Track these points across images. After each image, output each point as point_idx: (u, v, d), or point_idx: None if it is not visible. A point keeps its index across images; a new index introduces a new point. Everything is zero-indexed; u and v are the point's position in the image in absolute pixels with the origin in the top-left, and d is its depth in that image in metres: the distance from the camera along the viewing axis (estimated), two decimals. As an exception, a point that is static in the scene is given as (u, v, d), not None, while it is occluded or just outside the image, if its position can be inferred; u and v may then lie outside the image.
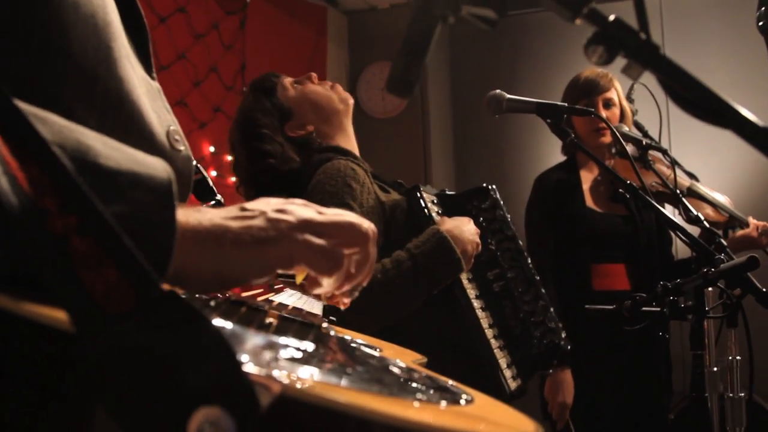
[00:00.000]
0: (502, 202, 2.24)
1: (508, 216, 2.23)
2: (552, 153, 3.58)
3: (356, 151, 2.16)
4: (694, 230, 1.96)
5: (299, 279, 0.86)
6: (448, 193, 2.20)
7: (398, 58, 0.82)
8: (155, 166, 0.68)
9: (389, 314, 1.82)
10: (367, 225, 0.85)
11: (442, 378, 0.75)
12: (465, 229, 1.96)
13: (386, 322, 1.79)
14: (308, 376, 0.55)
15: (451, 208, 2.15)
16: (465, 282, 2.01)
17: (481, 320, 2.00)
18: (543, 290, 2.20)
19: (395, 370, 0.73)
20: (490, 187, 2.23)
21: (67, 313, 0.50)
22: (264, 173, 2.09)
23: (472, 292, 2.03)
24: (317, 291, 0.87)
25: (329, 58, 4.85)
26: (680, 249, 3.92)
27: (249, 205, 0.80)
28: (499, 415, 0.68)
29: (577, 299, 2.71)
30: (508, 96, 2.07)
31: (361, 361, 0.71)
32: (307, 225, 0.79)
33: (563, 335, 2.19)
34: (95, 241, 0.52)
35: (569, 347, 2.20)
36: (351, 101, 2.22)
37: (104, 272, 0.51)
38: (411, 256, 1.84)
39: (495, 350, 1.99)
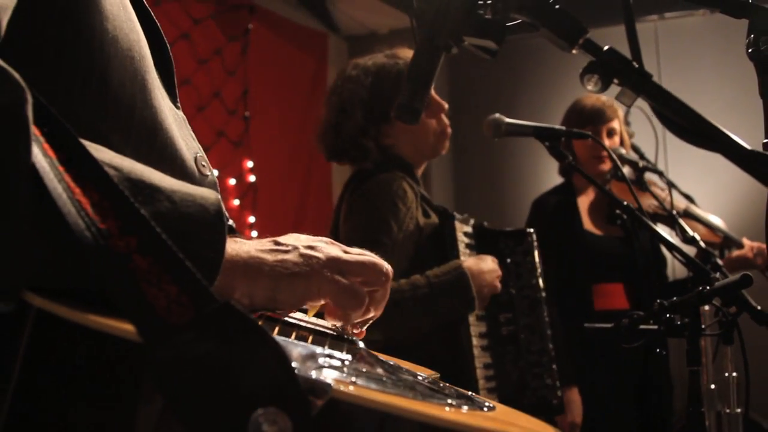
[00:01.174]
0: (536, 250, 2.26)
1: (539, 266, 2.25)
2: (550, 176, 3.63)
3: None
4: (690, 251, 1.99)
5: (311, 313, 0.92)
6: (486, 226, 2.23)
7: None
8: (202, 191, 0.74)
9: (392, 331, 1.85)
10: (387, 266, 0.92)
11: (463, 390, 0.80)
12: (487, 270, 1.99)
13: (387, 335, 1.82)
14: (352, 381, 0.60)
15: (484, 242, 2.18)
16: (471, 318, 2.03)
17: (476, 358, 2.01)
18: (551, 345, 2.22)
19: (423, 380, 0.78)
20: (529, 231, 2.27)
21: (133, 324, 0.55)
22: (344, 155, 2.18)
23: (476, 329, 2.04)
24: (336, 322, 0.93)
25: (330, 82, 4.91)
26: (677, 270, 3.97)
27: (282, 239, 0.87)
28: (523, 420, 0.73)
29: (579, 319, 2.75)
30: (507, 120, 2.12)
31: (392, 372, 0.76)
32: (335, 263, 0.86)
33: (558, 394, 2.20)
34: (155, 259, 0.57)
35: (561, 406, 2.23)
36: (443, 151, 2.30)
37: (165, 287, 0.56)
38: (428, 284, 1.88)
39: (481, 390, 2.01)
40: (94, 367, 0.58)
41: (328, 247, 0.87)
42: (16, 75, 0.58)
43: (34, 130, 0.59)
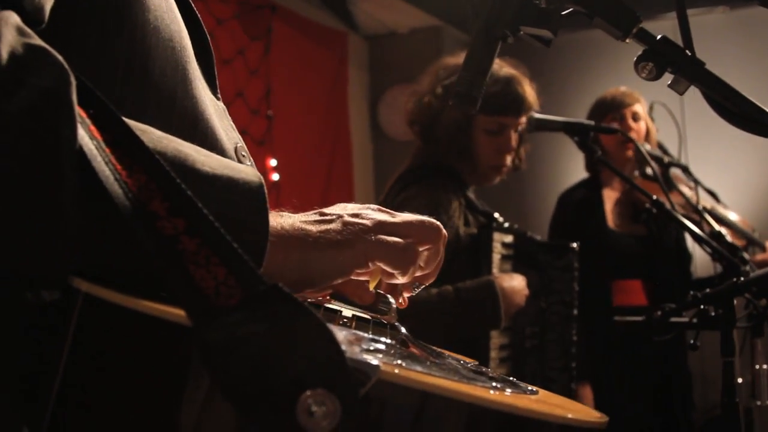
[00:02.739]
0: (577, 266, 2.25)
1: (576, 283, 2.24)
2: (573, 170, 3.63)
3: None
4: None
5: (372, 285, 0.90)
6: (528, 235, 2.23)
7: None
8: (247, 172, 0.73)
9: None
10: (438, 224, 0.89)
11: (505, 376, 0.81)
12: (518, 290, 2.00)
13: None
14: (397, 363, 0.61)
15: (523, 253, 2.17)
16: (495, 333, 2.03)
17: (491, 370, 2.00)
18: (574, 364, 2.21)
19: (466, 364, 0.80)
20: (572, 246, 2.26)
21: (181, 306, 0.55)
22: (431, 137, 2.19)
23: (497, 341, 2.04)
24: (393, 282, 0.92)
25: (351, 81, 4.94)
26: (699, 268, 3.96)
27: (327, 210, 0.85)
28: (567, 404, 0.74)
29: (598, 314, 2.76)
30: (537, 115, 2.14)
31: (436, 356, 0.77)
32: (381, 226, 0.84)
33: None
34: (203, 241, 0.57)
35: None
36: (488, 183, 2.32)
37: (213, 269, 0.56)
38: (457, 297, 1.88)
39: None
40: (141, 352, 0.58)
41: (374, 213, 0.86)
42: (60, 57, 0.57)
43: (80, 112, 0.59)
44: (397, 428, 0.57)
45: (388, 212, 0.87)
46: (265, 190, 0.73)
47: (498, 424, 0.60)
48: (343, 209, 0.86)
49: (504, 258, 2.12)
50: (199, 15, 0.99)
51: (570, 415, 0.62)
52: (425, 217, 0.89)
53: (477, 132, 2.19)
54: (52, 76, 0.57)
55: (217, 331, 0.53)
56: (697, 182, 2.78)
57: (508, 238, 2.15)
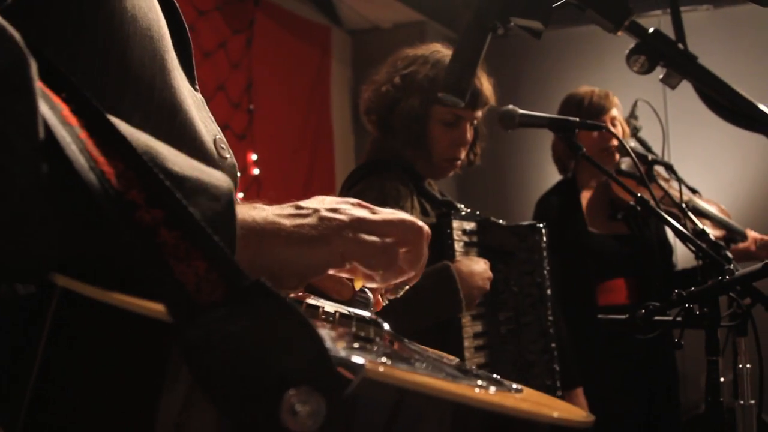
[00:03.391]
0: (545, 246, 2.23)
1: (546, 263, 2.22)
2: (555, 170, 3.63)
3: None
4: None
5: (357, 285, 0.88)
6: (493, 220, 2.21)
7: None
8: (217, 176, 0.69)
9: None
10: (420, 223, 0.84)
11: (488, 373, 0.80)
12: (477, 272, 1.98)
13: None
14: (381, 362, 0.59)
15: (488, 238, 2.15)
16: (465, 318, 2.01)
17: (468, 360, 1.97)
18: (553, 345, 2.19)
19: (450, 362, 0.78)
20: (538, 226, 2.24)
21: (161, 302, 0.53)
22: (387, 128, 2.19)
23: (471, 330, 2.02)
24: (370, 286, 0.89)
25: (333, 76, 4.91)
26: (679, 258, 3.98)
27: (304, 203, 0.80)
28: (552, 402, 0.73)
29: (583, 315, 2.76)
30: (521, 111, 2.12)
31: (419, 354, 0.76)
32: (360, 223, 0.80)
33: (558, 394, 2.18)
34: (182, 234, 0.55)
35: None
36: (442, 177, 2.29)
37: (193, 264, 0.54)
38: (413, 287, 1.87)
39: None
40: (118, 348, 0.56)
41: (352, 209, 0.81)
42: (17, 35, 0.54)
43: (53, 96, 0.56)
44: (382, 427, 0.56)
45: (368, 207, 0.83)
46: (234, 197, 0.69)
47: (484, 423, 0.59)
48: (321, 203, 0.81)
49: (468, 245, 2.09)
50: (177, 4, 0.98)
51: (556, 414, 0.61)
52: (407, 216, 0.84)
53: (433, 123, 2.17)
54: (8, 55, 0.53)
55: (198, 328, 0.52)
56: (680, 180, 2.78)
57: (470, 225, 2.12)
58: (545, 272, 2.21)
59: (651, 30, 0.89)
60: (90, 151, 0.56)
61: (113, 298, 0.55)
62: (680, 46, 0.88)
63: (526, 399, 0.67)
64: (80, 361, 0.56)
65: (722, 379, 1.95)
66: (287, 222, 0.77)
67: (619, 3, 0.87)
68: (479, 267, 2.01)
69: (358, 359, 0.54)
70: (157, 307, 0.54)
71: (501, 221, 2.24)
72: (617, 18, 0.88)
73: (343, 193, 2.13)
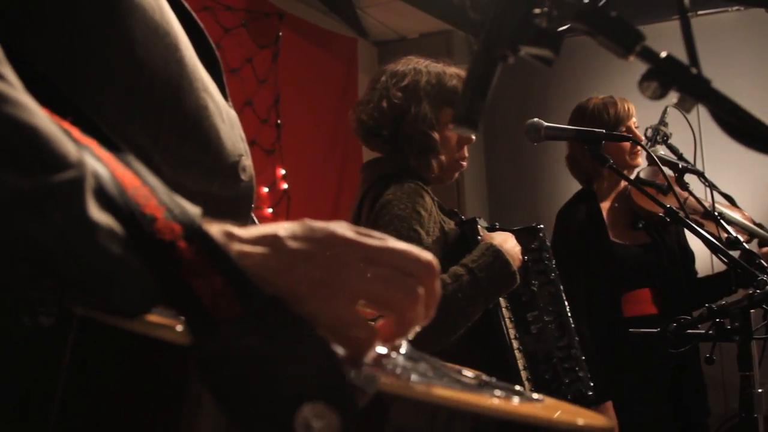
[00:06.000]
0: (549, 245, 2.26)
1: (553, 260, 2.25)
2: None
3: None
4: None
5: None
6: (498, 226, 2.22)
7: (462, 96, 0.87)
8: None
9: (452, 331, 1.85)
10: (429, 256, 0.68)
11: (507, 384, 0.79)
12: (513, 244, 2.01)
13: (449, 339, 1.82)
14: (396, 375, 0.60)
15: None
16: (508, 322, 2.03)
17: (518, 361, 2.01)
18: (576, 338, 2.21)
19: (468, 375, 0.77)
20: (538, 226, 2.26)
21: (179, 315, 0.54)
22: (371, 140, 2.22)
23: (512, 332, 2.04)
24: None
25: (360, 88, 4.92)
26: (701, 266, 3.93)
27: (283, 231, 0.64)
28: (576, 411, 0.72)
29: (609, 327, 2.73)
30: (547, 124, 2.11)
31: (435, 366, 0.75)
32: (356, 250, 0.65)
33: (591, 384, 2.19)
34: (198, 249, 0.55)
35: (594, 398, 2.21)
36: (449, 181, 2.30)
37: (210, 279, 0.54)
38: (469, 271, 1.88)
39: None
40: (138, 371, 0.57)
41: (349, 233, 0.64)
42: None
43: (64, 124, 0.57)
44: None
45: (363, 232, 0.66)
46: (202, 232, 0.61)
47: None
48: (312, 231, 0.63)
49: None
50: (203, 26, 0.98)
51: (580, 422, 0.61)
52: (415, 248, 0.67)
53: (441, 126, 2.19)
54: None
55: (214, 342, 0.53)
56: (712, 187, 2.74)
57: (483, 231, 2.16)
58: (554, 269, 2.23)
59: (663, 55, 0.88)
60: (107, 163, 0.57)
61: (130, 325, 0.56)
62: (694, 70, 0.86)
63: (548, 407, 0.67)
64: (102, 385, 0.57)
65: (760, 390, 1.92)
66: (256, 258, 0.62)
67: (629, 28, 0.86)
68: (511, 239, 2.04)
69: (372, 373, 0.55)
70: (171, 334, 0.55)
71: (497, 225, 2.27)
72: (628, 44, 0.86)
73: (366, 209, 2.13)
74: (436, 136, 2.16)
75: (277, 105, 4.18)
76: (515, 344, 2.01)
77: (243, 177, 0.93)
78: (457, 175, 2.28)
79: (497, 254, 1.92)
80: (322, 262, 0.60)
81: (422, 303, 0.66)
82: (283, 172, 4.13)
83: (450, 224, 2.09)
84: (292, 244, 0.60)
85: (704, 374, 2.96)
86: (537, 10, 0.86)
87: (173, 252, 0.55)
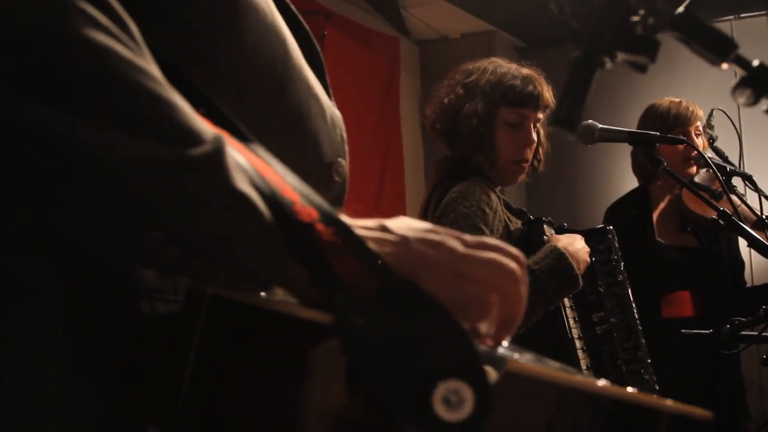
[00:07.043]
0: (617, 246, 2.27)
1: (622, 262, 2.25)
2: (623, 179, 3.61)
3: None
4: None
5: None
6: (566, 227, 2.25)
7: (562, 100, 0.91)
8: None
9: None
10: (514, 265, 0.67)
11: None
12: (579, 247, 2.02)
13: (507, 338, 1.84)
14: (517, 357, 0.63)
15: None
16: (571, 322, 2.06)
17: (581, 360, 2.03)
18: (643, 341, 2.22)
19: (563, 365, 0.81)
20: (608, 228, 2.27)
21: (323, 295, 0.57)
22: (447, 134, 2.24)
23: (575, 332, 2.06)
24: None
25: (402, 86, 4.96)
26: (756, 276, 3.91)
27: (392, 225, 0.66)
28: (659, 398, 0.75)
29: (648, 327, 2.74)
30: (601, 126, 2.13)
31: (537, 357, 0.79)
32: (456, 262, 0.64)
33: (656, 387, 2.21)
34: (335, 232, 0.58)
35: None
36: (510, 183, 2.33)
37: (348, 260, 0.57)
38: (531, 272, 1.90)
39: None
40: (264, 348, 0.60)
41: (446, 242, 0.65)
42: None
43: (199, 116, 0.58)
44: (526, 419, 0.60)
45: (460, 239, 0.66)
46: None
47: (613, 412, 0.62)
48: (409, 229, 0.65)
49: None
50: (308, 27, 0.99)
51: (687, 408, 0.64)
52: (501, 256, 0.66)
53: (498, 125, 2.20)
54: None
55: (359, 319, 0.56)
56: (759, 191, 2.74)
57: (551, 232, 2.17)
58: (623, 271, 2.24)
59: (755, 63, 0.91)
60: (246, 156, 0.60)
61: (266, 303, 0.59)
62: (786, 77, 0.90)
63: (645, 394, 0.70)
64: (231, 361, 0.60)
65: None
66: (375, 247, 0.64)
67: (723, 37, 0.89)
68: (579, 242, 2.05)
69: (500, 353, 0.59)
70: (306, 311, 0.58)
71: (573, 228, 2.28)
72: (722, 52, 0.90)
73: (432, 206, 2.16)
74: (488, 134, 2.19)
75: (322, 102, 4.22)
76: (578, 344, 2.03)
77: (336, 178, 0.95)
78: (521, 177, 2.30)
79: (560, 257, 1.93)
80: (433, 254, 0.63)
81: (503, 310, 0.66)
82: (326, 168, 4.17)
83: (516, 223, 2.12)
84: (409, 234, 0.64)
85: (743, 377, 2.97)
86: (634, 18, 0.90)
87: (313, 233, 0.57)
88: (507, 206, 2.19)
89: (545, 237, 2.05)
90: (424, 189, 5.03)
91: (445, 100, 2.22)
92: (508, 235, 2.05)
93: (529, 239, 2.07)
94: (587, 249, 2.05)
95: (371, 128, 4.64)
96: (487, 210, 2.00)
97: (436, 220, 2.04)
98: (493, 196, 2.07)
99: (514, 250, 0.68)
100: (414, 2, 4.70)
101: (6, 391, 0.60)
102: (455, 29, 5.13)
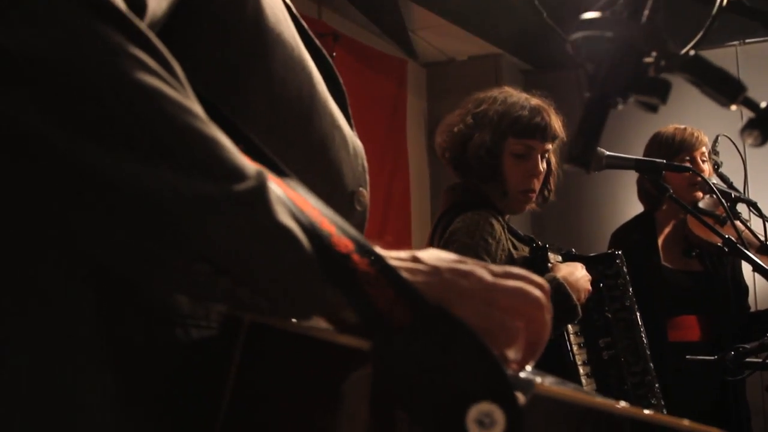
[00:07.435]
0: (626, 271, 2.29)
1: (630, 287, 2.28)
2: (628, 204, 3.62)
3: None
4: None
5: None
6: (575, 253, 2.28)
7: (576, 138, 0.94)
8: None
9: None
10: (539, 293, 0.71)
11: None
12: (580, 276, 2.05)
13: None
14: (540, 381, 0.65)
15: None
16: (576, 348, 2.08)
17: (587, 386, 2.05)
18: (651, 365, 2.23)
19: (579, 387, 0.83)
20: (617, 253, 2.30)
21: (362, 325, 0.60)
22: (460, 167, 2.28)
23: (580, 358, 2.08)
24: None
25: (409, 108, 5.00)
26: (759, 300, 3.93)
27: (423, 256, 0.69)
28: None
29: (653, 351, 2.76)
30: (608, 153, 2.16)
31: (558, 380, 0.82)
32: (486, 291, 0.68)
33: (664, 413, 2.20)
34: (371, 262, 0.61)
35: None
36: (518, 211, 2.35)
37: (383, 291, 0.60)
38: None
39: None
40: (303, 374, 0.63)
41: (475, 272, 0.68)
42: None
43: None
44: None
45: (488, 269, 0.70)
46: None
47: None
48: (439, 260, 0.69)
49: None
50: (329, 56, 1.01)
51: (687, 423, 0.66)
52: (527, 285, 0.71)
53: (505, 156, 2.24)
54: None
55: (396, 346, 0.59)
56: (764, 217, 2.77)
57: (558, 258, 2.21)
58: (631, 296, 2.27)
59: (763, 104, 0.94)
60: (284, 190, 0.62)
61: (298, 328, 0.62)
62: (792, 119, 0.92)
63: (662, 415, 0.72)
64: (268, 386, 0.63)
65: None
66: (408, 276, 0.67)
67: (732, 79, 0.92)
68: (580, 271, 2.08)
69: (528, 377, 0.62)
70: (342, 337, 0.61)
71: (576, 253, 2.31)
72: (731, 94, 0.93)
73: (437, 235, 2.19)
74: (496, 164, 2.22)
75: (330, 123, 4.25)
76: (583, 370, 2.05)
77: (358, 207, 0.97)
78: (529, 206, 2.33)
79: (558, 287, 1.96)
80: (451, 292, 0.66)
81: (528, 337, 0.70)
82: (333, 189, 4.20)
83: (524, 250, 2.14)
84: (440, 264, 0.68)
85: (748, 402, 2.98)
86: (647, 60, 0.93)
87: (350, 263, 0.60)
88: (514, 233, 2.21)
89: (549, 264, 2.08)
90: (430, 208, 5.08)
91: (455, 129, 2.26)
92: (511, 263, 2.08)
93: (532, 267, 2.09)
94: (588, 277, 2.07)
95: (377, 149, 4.67)
96: (490, 240, 2.03)
97: (442, 248, 2.07)
98: (497, 225, 2.10)
99: (538, 278, 0.73)
100: (422, 25, 4.75)
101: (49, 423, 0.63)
102: (462, 52, 5.18)
